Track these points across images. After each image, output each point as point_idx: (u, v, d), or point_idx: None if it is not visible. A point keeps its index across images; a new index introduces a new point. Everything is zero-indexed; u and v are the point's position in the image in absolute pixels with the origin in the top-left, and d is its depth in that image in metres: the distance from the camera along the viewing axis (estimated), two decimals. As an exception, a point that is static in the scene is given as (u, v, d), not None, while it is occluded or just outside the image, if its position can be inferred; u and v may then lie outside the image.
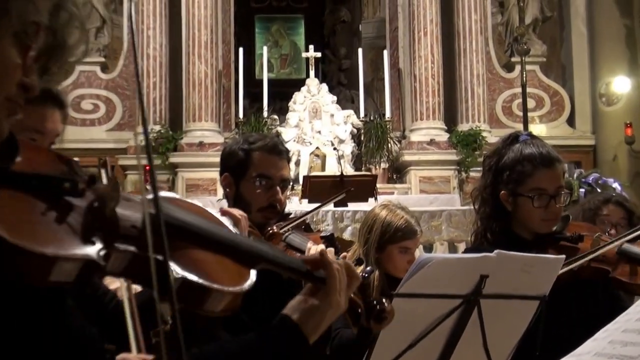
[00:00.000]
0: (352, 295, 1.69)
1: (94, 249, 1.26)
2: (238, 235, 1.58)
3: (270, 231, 2.78)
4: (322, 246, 2.68)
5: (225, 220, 2.33)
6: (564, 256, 2.41)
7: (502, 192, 2.99)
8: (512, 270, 2.24)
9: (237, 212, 2.59)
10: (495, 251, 2.18)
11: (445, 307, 2.16)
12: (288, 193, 3.13)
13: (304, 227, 3.06)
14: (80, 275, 1.24)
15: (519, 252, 2.30)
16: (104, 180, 1.87)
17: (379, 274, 3.60)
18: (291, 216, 3.11)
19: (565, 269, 2.74)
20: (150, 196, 1.34)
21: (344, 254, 2.82)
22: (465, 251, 3.81)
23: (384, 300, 1.71)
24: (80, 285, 1.26)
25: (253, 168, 3.02)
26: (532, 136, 3.17)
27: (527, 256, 2.28)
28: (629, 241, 3.00)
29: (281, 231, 2.86)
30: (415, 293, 2.10)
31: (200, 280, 1.36)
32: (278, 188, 2.99)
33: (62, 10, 1.31)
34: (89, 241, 1.26)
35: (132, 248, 1.31)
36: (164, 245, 1.26)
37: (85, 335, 1.42)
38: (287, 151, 3.13)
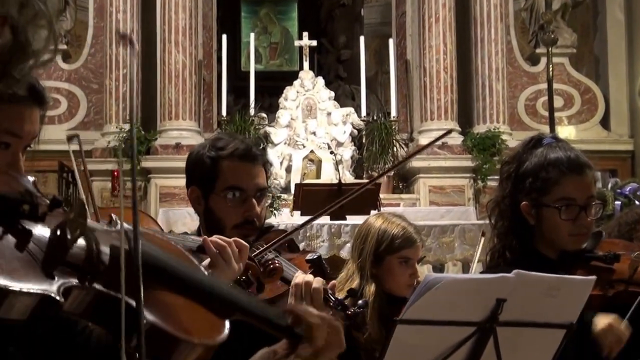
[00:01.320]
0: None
1: (53, 285, 1.25)
2: (215, 280, 1.58)
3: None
4: (310, 277, 2.67)
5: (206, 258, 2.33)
6: (594, 277, 2.42)
7: (524, 203, 2.99)
8: (534, 293, 2.25)
9: (225, 240, 2.55)
10: (514, 271, 2.19)
11: (457, 336, 2.18)
12: (274, 203, 3.11)
13: (288, 245, 3.03)
14: (34, 313, 1.23)
15: (542, 273, 2.30)
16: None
17: (376, 292, 3.63)
18: (273, 229, 3.09)
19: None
20: (125, 226, 1.34)
21: (333, 281, 2.79)
22: (482, 272, 3.82)
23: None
24: (32, 324, 1.26)
25: (222, 179, 2.94)
26: (557, 139, 3.18)
27: (552, 277, 2.29)
28: None
29: (265, 255, 2.82)
30: (422, 319, 2.11)
31: (170, 329, 1.35)
32: (254, 200, 2.94)
33: (27, 7, 1.29)
34: (47, 275, 1.26)
35: (97, 286, 1.31)
36: (139, 287, 1.26)
37: None
38: (263, 154, 3.10)
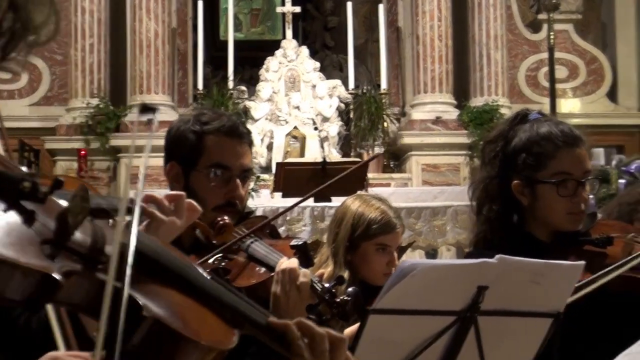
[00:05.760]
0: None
1: (54, 265, 1.28)
2: (227, 290, 1.61)
3: (221, 222, 2.76)
4: (295, 260, 2.69)
5: (153, 208, 2.34)
6: (583, 263, 2.44)
7: (516, 182, 3.01)
8: (518, 280, 2.27)
9: (171, 194, 2.54)
10: (497, 256, 2.20)
11: (435, 326, 2.20)
12: (253, 184, 3.12)
13: (269, 230, 3.04)
14: (29, 296, 1.26)
15: (529, 258, 2.32)
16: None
17: (352, 281, 3.63)
18: (254, 215, 3.11)
19: (589, 285, 2.78)
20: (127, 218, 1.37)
21: (322, 270, 2.81)
22: (466, 258, 3.84)
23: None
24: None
25: (207, 155, 2.96)
26: (543, 114, 3.21)
27: (537, 262, 2.31)
28: None
29: (246, 241, 2.83)
30: (397, 309, 2.14)
31: (176, 325, 1.38)
32: (238, 181, 2.97)
33: None
34: (48, 257, 1.28)
35: (99, 275, 1.34)
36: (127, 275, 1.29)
37: None
38: (249, 133, 3.12)
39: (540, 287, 2.29)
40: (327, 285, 2.57)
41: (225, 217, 2.75)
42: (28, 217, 1.28)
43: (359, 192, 4.02)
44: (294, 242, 2.81)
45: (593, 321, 2.88)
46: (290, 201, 6.10)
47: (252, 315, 1.59)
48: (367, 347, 2.16)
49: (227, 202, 2.94)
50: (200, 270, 1.58)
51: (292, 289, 2.59)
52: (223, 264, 2.68)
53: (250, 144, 3.08)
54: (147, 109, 1.46)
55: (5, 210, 1.27)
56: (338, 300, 2.51)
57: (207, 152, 2.97)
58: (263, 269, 2.75)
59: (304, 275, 2.60)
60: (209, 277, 1.57)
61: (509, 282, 2.24)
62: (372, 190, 7.62)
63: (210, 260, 2.67)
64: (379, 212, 3.70)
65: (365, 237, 3.66)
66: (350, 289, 2.52)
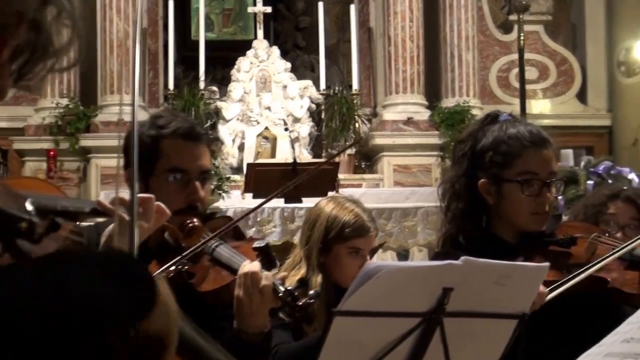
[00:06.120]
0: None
1: None
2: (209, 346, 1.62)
3: (190, 225, 2.75)
4: (257, 264, 2.69)
5: (121, 210, 2.33)
6: (547, 264, 2.46)
7: (482, 180, 3.04)
8: (483, 281, 2.28)
9: (140, 196, 2.52)
10: (462, 258, 2.21)
11: (400, 328, 2.20)
12: (223, 185, 3.12)
13: (233, 232, 3.04)
14: None
15: (494, 260, 2.34)
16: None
17: (324, 283, 3.63)
18: (217, 215, 3.11)
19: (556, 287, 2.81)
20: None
21: (284, 273, 2.81)
22: (433, 259, 3.87)
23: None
24: None
25: (164, 160, 2.95)
26: (513, 116, 3.24)
27: (502, 264, 2.32)
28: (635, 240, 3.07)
29: (211, 244, 2.82)
30: (362, 311, 2.14)
31: None
32: (197, 183, 2.96)
33: (50, 3, 1.30)
34: None
35: None
36: None
37: None
38: (206, 133, 3.11)
39: (505, 289, 2.30)
40: (289, 288, 2.57)
41: (195, 220, 2.75)
42: (15, 255, 1.28)
43: (332, 194, 4.03)
44: (256, 245, 2.81)
45: (557, 322, 2.91)
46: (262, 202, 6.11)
47: None
48: (332, 349, 2.16)
49: (187, 206, 2.93)
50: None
51: (254, 293, 2.60)
52: (187, 267, 2.68)
53: (209, 144, 3.07)
54: None
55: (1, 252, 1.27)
56: (300, 303, 2.51)
57: (164, 156, 2.96)
58: (227, 273, 2.75)
59: (266, 278, 2.61)
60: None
61: (474, 284, 2.25)
62: (343, 191, 7.63)
63: (174, 265, 2.66)
64: (353, 215, 3.70)
65: (339, 240, 3.66)
66: (311, 292, 2.53)
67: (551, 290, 2.80)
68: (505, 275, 2.31)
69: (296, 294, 2.55)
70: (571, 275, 2.91)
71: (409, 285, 2.20)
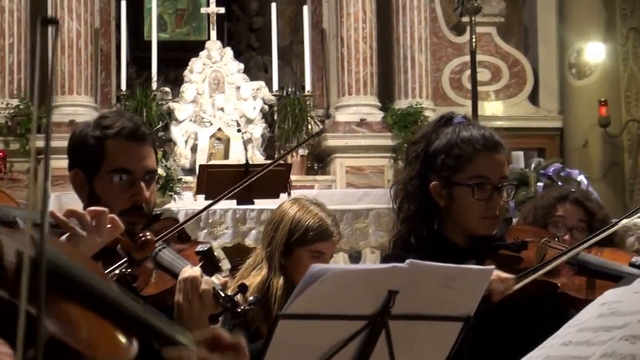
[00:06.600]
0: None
1: None
2: (126, 297, 1.60)
3: (143, 238, 2.73)
4: (197, 269, 2.67)
5: (74, 223, 2.32)
6: (493, 267, 2.48)
7: (434, 183, 3.05)
8: (429, 284, 2.29)
9: (93, 210, 2.53)
10: (407, 261, 2.22)
11: (346, 331, 2.21)
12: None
13: (179, 235, 3.02)
14: None
15: (444, 262, 2.35)
16: None
17: (285, 286, 3.64)
18: (163, 217, 3.09)
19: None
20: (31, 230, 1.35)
21: (225, 278, 2.79)
22: (382, 261, 3.88)
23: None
24: None
25: (109, 160, 2.94)
26: (467, 118, 3.26)
27: (447, 267, 2.33)
28: (585, 242, 3.10)
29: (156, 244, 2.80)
30: (307, 314, 2.14)
31: (72, 341, 1.37)
32: (142, 184, 2.94)
33: None
34: None
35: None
36: (41, 295, 1.27)
37: None
38: (151, 134, 3.10)
39: (451, 291, 2.32)
40: (229, 294, 2.55)
41: (148, 233, 2.73)
42: None
43: (297, 196, 4.02)
44: (199, 248, 2.80)
45: (505, 325, 2.93)
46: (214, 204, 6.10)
47: (159, 328, 1.58)
48: (276, 352, 2.16)
49: (132, 206, 2.92)
50: (104, 281, 1.57)
51: (194, 298, 2.58)
52: (130, 270, 2.66)
53: (154, 145, 3.06)
54: (48, 20, 1.41)
55: None
56: (239, 310, 2.50)
57: (108, 157, 2.95)
58: (169, 277, 2.73)
59: (206, 283, 2.59)
60: (114, 289, 1.56)
61: (420, 287, 2.26)
62: (295, 193, 7.63)
63: (118, 268, 2.64)
64: (317, 218, 3.71)
65: (301, 243, 3.67)
66: (251, 298, 2.52)
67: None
68: (451, 278, 2.32)
69: (236, 299, 2.54)
70: (519, 275, 2.94)
71: (355, 288, 2.20)
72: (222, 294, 2.57)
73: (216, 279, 2.67)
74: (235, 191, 4.00)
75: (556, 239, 3.34)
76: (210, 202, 3.43)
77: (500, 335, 2.93)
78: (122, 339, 1.49)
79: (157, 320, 1.65)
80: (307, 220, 3.70)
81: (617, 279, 2.96)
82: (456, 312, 2.37)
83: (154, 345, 1.64)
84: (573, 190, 4.57)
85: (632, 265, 3.12)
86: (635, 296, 1.70)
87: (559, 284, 3.04)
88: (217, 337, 1.86)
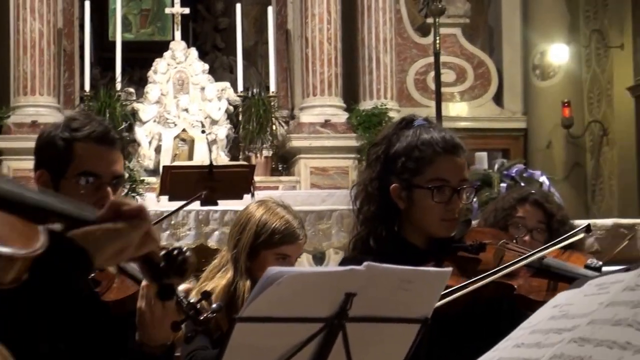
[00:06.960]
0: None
1: None
2: (24, 187, 1.63)
3: None
4: None
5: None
6: (450, 269, 2.49)
7: (394, 185, 3.05)
8: (387, 286, 2.30)
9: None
10: (365, 264, 2.22)
11: (302, 334, 2.21)
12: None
13: None
14: None
15: (404, 265, 2.36)
16: None
17: (252, 287, 3.62)
18: None
19: (461, 291, 2.84)
20: None
21: (187, 285, 2.78)
22: (341, 263, 3.89)
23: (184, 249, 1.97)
24: None
25: (76, 163, 2.89)
26: (429, 121, 3.27)
27: (404, 269, 2.34)
28: (540, 251, 3.12)
29: None
30: (263, 317, 2.14)
31: None
32: (109, 188, 2.93)
33: None
34: None
35: None
36: None
37: None
38: (121, 139, 3.09)
39: (408, 293, 2.32)
40: (192, 301, 2.53)
41: None
42: None
43: (263, 198, 4.00)
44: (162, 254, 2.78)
45: (462, 327, 2.95)
46: (177, 205, 6.08)
47: (57, 205, 1.60)
48: (233, 355, 2.16)
49: None
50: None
51: (156, 305, 2.57)
52: (93, 275, 2.64)
53: (123, 149, 3.05)
54: None
55: None
56: (202, 318, 2.49)
57: (76, 159, 2.91)
58: (132, 282, 2.72)
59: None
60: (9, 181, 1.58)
61: (378, 289, 2.27)
62: (259, 194, 7.63)
63: None
64: (284, 221, 3.70)
65: (267, 246, 3.66)
66: (214, 305, 2.51)
67: (451, 293, 2.83)
68: (408, 280, 2.32)
69: (199, 307, 2.52)
70: (473, 280, 2.95)
71: (312, 291, 2.20)
72: (185, 302, 2.55)
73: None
74: (192, 202, 4.00)
75: (514, 241, 3.35)
76: (179, 203, 3.43)
77: (457, 336, 2.94)
78: (30, 228, 1.51)
79: (61, 203, 1.68)
80: (273, 222, 3.69)
81: (572, 280, 2.98)
82: (414, 314, 2.37)
83: (62, 232, 1.67)
84: (533, 191, 4.59)
85: (587, 267, 3.14)
86: (586, 299, 1.71)
87: (515, 286, 3.05)
88: (117, 205, 1.87)
